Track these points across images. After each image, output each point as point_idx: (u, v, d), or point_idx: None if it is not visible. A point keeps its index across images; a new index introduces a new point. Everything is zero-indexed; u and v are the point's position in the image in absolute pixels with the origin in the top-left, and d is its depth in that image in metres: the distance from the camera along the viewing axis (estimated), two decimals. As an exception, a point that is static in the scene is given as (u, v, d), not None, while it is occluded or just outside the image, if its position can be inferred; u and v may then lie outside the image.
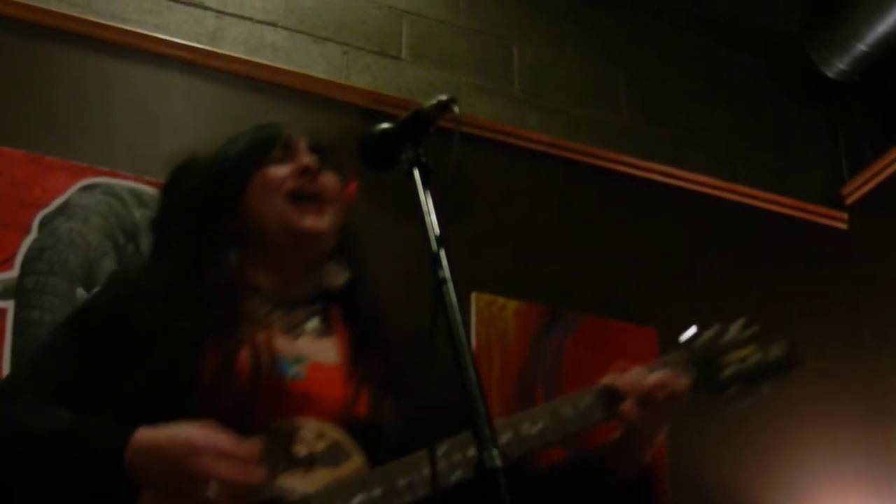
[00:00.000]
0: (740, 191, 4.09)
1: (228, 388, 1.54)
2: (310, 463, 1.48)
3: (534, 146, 3.82)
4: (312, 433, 1.51)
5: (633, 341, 3.59)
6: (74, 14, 3.27)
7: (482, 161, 3.64)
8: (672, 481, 3.41)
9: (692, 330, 1.81)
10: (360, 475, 1.48)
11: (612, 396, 1.71)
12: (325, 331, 1.74)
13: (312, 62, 3.61)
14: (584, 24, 4.20)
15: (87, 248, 2.99)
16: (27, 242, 2.93)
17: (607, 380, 1.73)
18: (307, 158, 1.78)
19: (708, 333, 1.81)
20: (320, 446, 1.50)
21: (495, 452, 1.20)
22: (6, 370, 2.75)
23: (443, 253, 1.36)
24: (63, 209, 3.01)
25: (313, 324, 1.74)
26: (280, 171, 1.78)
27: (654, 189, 3.97)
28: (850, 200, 4.27)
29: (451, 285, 1.33)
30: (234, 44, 3.51)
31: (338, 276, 1.80)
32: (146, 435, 1.43)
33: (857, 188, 4.25)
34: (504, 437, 1.57)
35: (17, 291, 2.87)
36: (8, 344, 2.79)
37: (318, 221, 1.75)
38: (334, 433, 1.52)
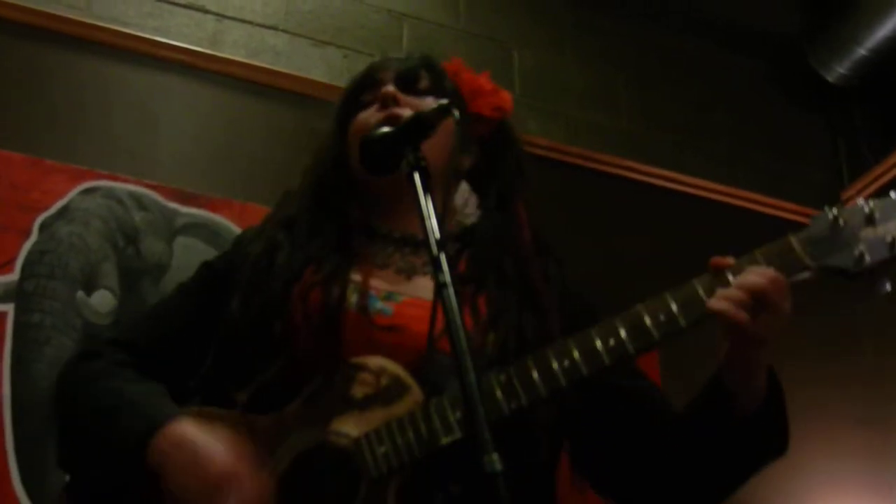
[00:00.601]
0: (740, 195, 4.09)
1: (310, 322, 1.55)
2: (365, 403, 1.45)
3: (533, 150, 3.80)
4: (373, 372, 1.47)
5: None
6: (75, 17, 3.27)
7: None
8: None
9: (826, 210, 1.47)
10: (413, 414, 1.43)
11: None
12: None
13: (312, 66, 3.61)
14: (583, 28, 4.20)
15: (87, 251, 3.00)
16: (27, 246, 2.93)
17: (711, 305, 1.47)
18: (384, 88, 1.75)
19: (835, 210, 1.50)
20: (379, 385, 1.46)
21: (495, 456, 1.19)
22: (7, 374, 2.76)
23: (443, 257, 1.35)
24: (63, 212, 3.01)
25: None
26: (366, 112, 1.77)
27: (653, 193, 3.97)
28: (850, 205, 4.26)
29: (451, 289, 1.33)
30: (235, 47, 3.51)
31: (465, 215, 1.74)
32: (182, 429, 1.47)
33: (858, 192, 4.25)
34: (585, 347, 1.44)
35: (17, 295, 2.87)
36: (8, 347, 2.79)
37: None
38: (395, 369, 1.47)
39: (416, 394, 1.45)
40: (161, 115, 3.31)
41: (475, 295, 1.59)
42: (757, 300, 1.43)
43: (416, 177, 1.43)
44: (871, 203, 1.47)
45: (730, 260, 1.54)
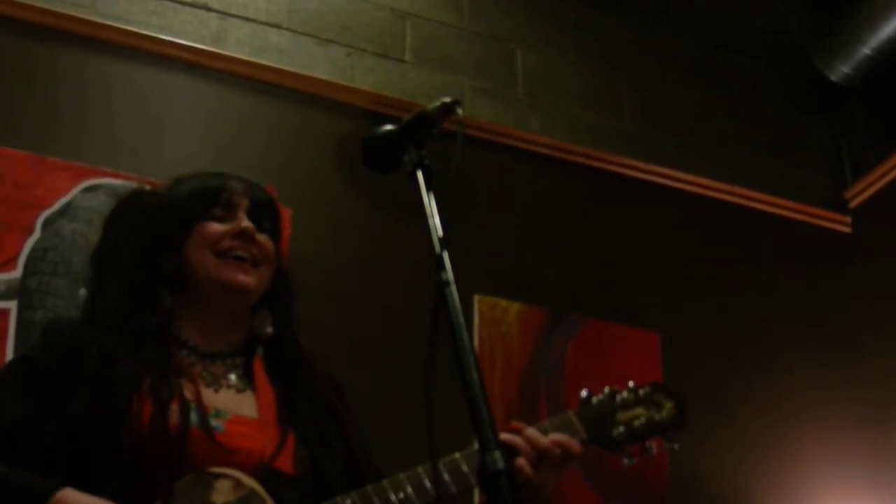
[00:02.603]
0: (743, 193, 4.08)
1: (159, 437, 1.59)
2: None
3: (536, 149, 3.82)
4: (230, 483, 1.55)
5: (635, 344, 3.59)
6: (78, 15, 3.27)
7: (485, 163, 3.64)
8: (673, 485, 3.41)
9: (584, 392, 1.88)
10: None
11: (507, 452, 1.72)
12: (246, 384, 1.79)
13: (316, 64, 3.61)
14: (586, 29, 4.20)
15: (90, 248, 2.98)
16: (30, 243, 2.93)
17: (503, 437, 1.72)
18: (245, 222, 1.83)
19: (599, 397, 1.87)
20: (237, 496, 1.54)
21: (497, 454, 1.19)
22: (9, 370, 2.76)
23: (446, 255, 1.35)
24: (66, 210, 3.01)
25: (233, 377, 1.79)
26: (218, 228, 1.83)
27: (656, 192, 3.97)
28: (853, 204, 4.26)
29: (454, 287, 1.33)
30: (238, 45, 3.51)
31: (265, 327, 1.86)
32: (65, 496, 1.51)
33: (861, 191, 4.25)
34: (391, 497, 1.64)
35: (20, 292, 2.87)
36: (10, 344, 2.80)
37: (246, 278, 1.81)
38: (251, 483, 1.56)
39: None
40: (164, 113, 3.32)
41: (290, 414, 1.75)
42: (540, 458, 1.73)
43: (419, 174, 1.43)
44: (623, 393, 1.88)
45: (521, 424, 1.78)
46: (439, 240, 1.37)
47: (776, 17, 4.53)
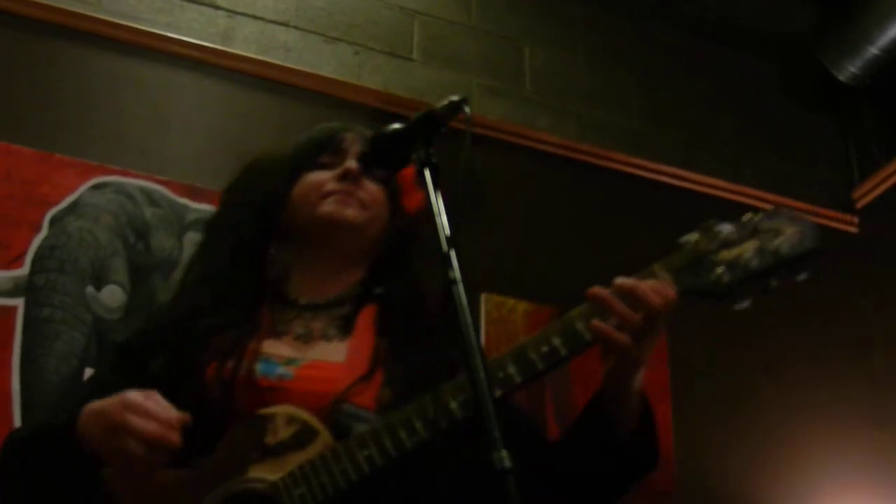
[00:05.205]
0: (750, 193, 4.08)
1: (210, 392, 1.58)
2: (280, 450, 1.50)
3: (544, 147, 3.81)
4: (283, 420, 1.52)
5: (642, 343, 3.59)
6: (86, 13, 3.28)
7: (492, 162, 3.63)
8: (680, 483, 3.40)
9: (681, 239, 1.65)
10: (323, 456, 1.48)
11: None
12: (344, 334, 1.71)
13: (324, 62, 3.61)
14: (594, 27, 4.20)
15: (97, 246, 3.00)
16: (37, 240, 2.94)
17: (595, 292, 1.64)
18: (349, 163, 1.78)
19: (694, 237, 1.65)
20: (290, 431, 1.51)
21: (504, 453, 1.19)
22: (16, 367, 2.76)
23: (453, 253, 1.35)
24: (73, 208, 3.01)
25: (333, 329, 1.72)
26: (322, 174, 1.79)
27: (664, 190, 3.97)
28: (860, 204, 4.26)
29: (461, 286, 1.33)
30: (246, 43, 3.51)
31: (376, 284, 1.79)
32: (94, 404, 1.50)
33: (868, 191, 4.24)
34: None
35: (27, 289, 2.87)
36: (18, 341, 2.80)
37: (350, 211, 1.75)
38: (304, 415, 1.52)
39: (325, 437, 1.50)
40: (172, 111, 3.32)
41: (390, 357, 1.64)
42: (635, 300, 1.59)
43: (427, 173, 1.43)
44: (728, 226, 1.62)
45: (605, 291, 1.65)
46: (446, 238, 1.37)
47: (785, 17, 4.53)
